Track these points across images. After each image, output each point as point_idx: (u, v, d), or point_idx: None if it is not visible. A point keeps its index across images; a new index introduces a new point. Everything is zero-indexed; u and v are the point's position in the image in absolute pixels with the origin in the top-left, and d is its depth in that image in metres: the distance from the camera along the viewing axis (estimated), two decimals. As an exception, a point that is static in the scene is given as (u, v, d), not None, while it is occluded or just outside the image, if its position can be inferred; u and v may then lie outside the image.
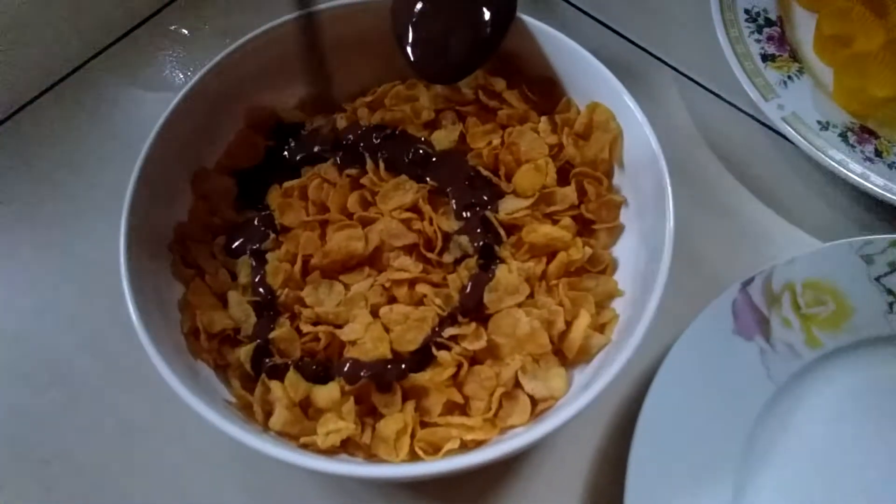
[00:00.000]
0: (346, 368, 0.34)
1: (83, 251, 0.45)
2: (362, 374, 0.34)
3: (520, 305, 0.36)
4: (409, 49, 0.41)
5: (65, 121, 0.51)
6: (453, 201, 0.39)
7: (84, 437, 0.40)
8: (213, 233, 0.40)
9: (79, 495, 0.39)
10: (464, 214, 0.39)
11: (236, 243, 0.39)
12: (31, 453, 0.40)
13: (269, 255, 0.38)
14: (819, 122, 0.46)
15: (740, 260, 0.44)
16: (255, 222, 0.40)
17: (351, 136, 0.42)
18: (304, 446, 0.33)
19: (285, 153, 0.42)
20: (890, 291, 0.41)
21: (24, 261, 0.46)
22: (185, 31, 0.56)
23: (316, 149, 0.42)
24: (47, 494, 0.39)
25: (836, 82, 0.48)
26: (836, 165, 0.44)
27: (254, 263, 0.38)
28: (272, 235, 0.39)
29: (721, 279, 0.42)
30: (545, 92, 0.43)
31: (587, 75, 0.41)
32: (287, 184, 0.40)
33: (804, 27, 0.52)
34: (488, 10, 0.41)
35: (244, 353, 0.36)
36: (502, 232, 0.39)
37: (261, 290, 0.37)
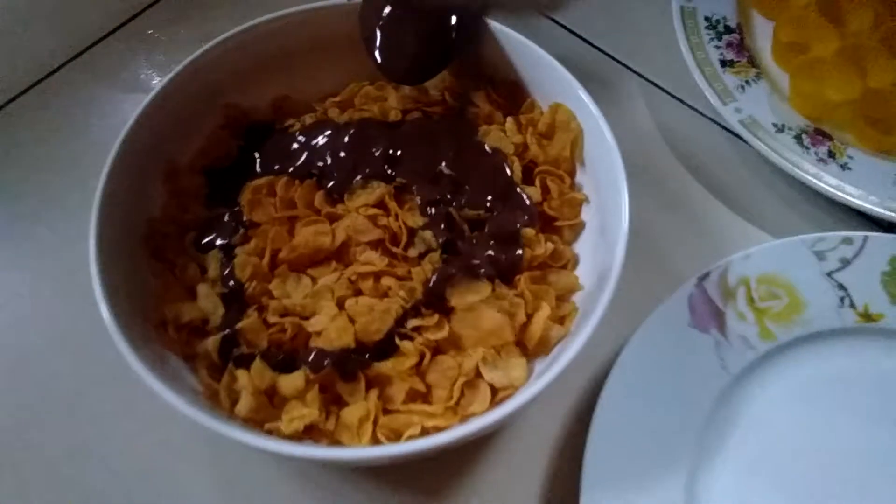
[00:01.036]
0: (311, 357, 0.35)
1: (57, 247, 0.46)
2: (326, 362, 0.35)
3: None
4: (376, 52, 0.42)
5: (42, 122, 0.52)
6: (418, 198, 0.41)
7: (56, 429, 0.41)
8: (184, 228, 0.41)
9: (52, 487, 0.39)
10: (428, 211, 0.40)
11: (206, 238, 0.40)
12: (3, 448, 0.40)
13: (237, 250, 0.39)
14: (775, 125, 0.48)
15: (698, 256, 0.45)
16: (225, 218, 0.41)
17: (320, 140, 0.43)
18: (269, 432, 0.34)
19: (257, 161, 0.43)
20: (841, 286, 0.42)
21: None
22: (162, 36, 0.57)
23: (276, 167, 0.43)
24: (22, 486, 0.39)
25: (792, 87, 0.50)
26: (791, 166, 0.46)
27: (223, 257, 0.39)
28: (241, 231, 0.40)
29: (679, 275, 0.43)
30: (510, 94, 0.44)
31: (549, 78, 0.42)
32: (256, 181, 0.41)
33: (762, 34, 0.54)
34: (454, 14, 0.42)
35: (212, 342, 0.36)
36: (465, 227, 0.40)
37: (230, 282, 0.38)
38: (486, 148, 0.42)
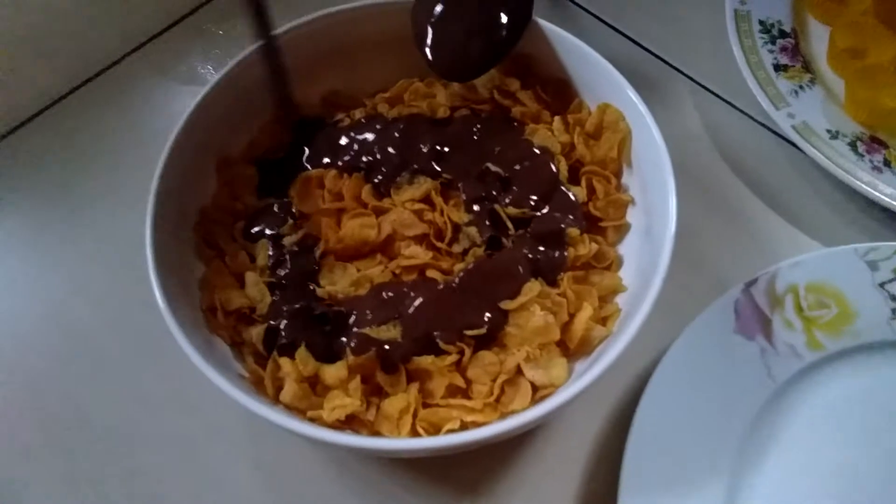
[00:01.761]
0: (354, 342, 0.36)
1: (112, 231, 0.48)
2: (371, 349, 0.35)
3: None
4: (427, 48, 0.42)
5: (102, 111, 0.54)
6: (464, 194, 0.41)
7: (104, 407, 0.42)
8: (234, 217, 0.42)
9: (97, 462, 0.41)
10: (474, 207, 0.40)
11: (256, 227, 0.41)
12: (53, 420, 0.42)
13: (285, 240, 0.40)
14: (829, 131, 0.47)
15: (745, 262, 0.45)
16: (275, 208, 0.41)
17: (369, 135, 0.43)
18: (311, 420, 0.34)
19: (307, 154, 0.44)
20: (893, 298, 0.41)
21: (58, 239, 0.48)
22: (219, 31, 0.58)
23: (326, 160, 0.43)
24: (69, 459, 0.41)
25: (848, 93, 0.49)
26: (844, 174, 0.45)
27: (271, 247, 0.40)
28: (290, 221, 0.41)
29: (725, 280, 0.43)
30: (558, 93, 0.44)
31: (598, 77, 0.42)
32: (305, 173, 0.42)
33: (818, 39, 0.53)
34: (505, 13, 0.42)
35: (256, 333, 0.37)
36: (510, 224, 0.40)
37: (277, 271, 0.39)
38: (534, 147, 0.42)
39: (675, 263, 0.34)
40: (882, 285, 0.42)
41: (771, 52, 0.51)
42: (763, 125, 0.51)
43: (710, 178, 0.49)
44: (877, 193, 0.44)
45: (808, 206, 0.48)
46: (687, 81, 0.54)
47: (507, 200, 0.41)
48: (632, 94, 0.40)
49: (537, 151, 0.42)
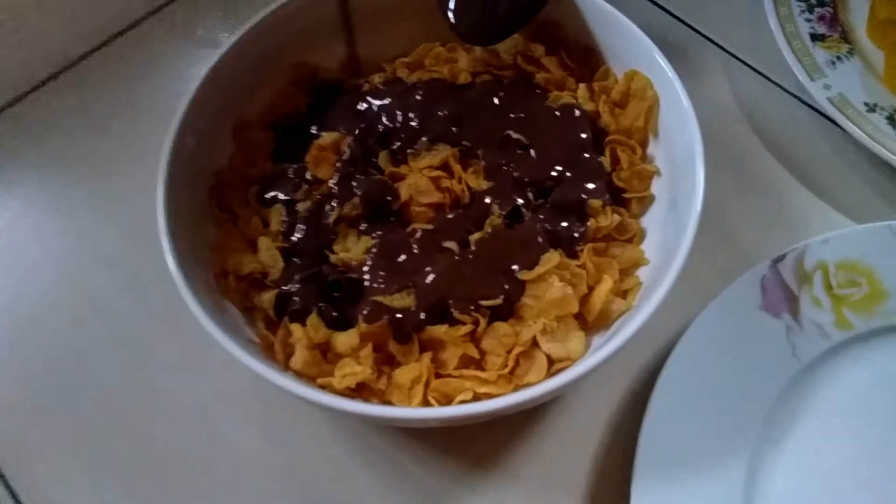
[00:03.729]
0: (367, 309, 0.35)
1: (127, 194, 0.47)
2: (383, 317, 0.35)
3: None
4: (449, 11, 0.41)
5: (119, 73, 0.53)
6: (483, 162, 0.40)
7: (117, 370, 0.42)
8: (249, 182, 0.41)
9: (107, 425, 0.40)
10: (493, 175, 0.39)
11: (270, 192, 0.40)
12: (65, 383, 0.42)
13: (299, 205, 0.39)
14: (866, 104, 0.45)
15: (773, 238, 0.43)
16: (289, 174, 0.41)
17: (388, 100, 0.42)
18: (321, 387, 0.34)
19: (325, 119, 0.43)
20: (927, 277, 0.40)
21: (74, 201, 0.48)
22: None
23: (344, 125, 0.42)
24: (79, 421, 0.41)
25: (888, 65, 0.47)
26: (881, 148, 0.43)
27: (285, 212, 0.39)
28: (305, 187, 0.40)
29: (752, 256, 0.42)
30: (584, 60, 0.43)
31: (626, 44, 0.40)
32: (321, 139, 0.41)
33: (858, 8, 0.51)
34: (530, -25, 0.41)
35: (267, 299, 0.37)
36: (531, 194, 0.39)
37: (290, 237, 0.38)
38: (556, 113, 0.41)
39: (701, 237, 0.33)
40: (916, 264, 0.40)
41: (808, 20, 0.49)
42: (797, 97, 0.49)
43: (739, 151, 0.48)
44: (914, 169, 0.43)
45: (841, 181, 0.46)
46: (718, 51, 0.52)
47: (528, 168, 0.39)
48: (661, 60, 0.38)
49: (560, 116, 0.40)
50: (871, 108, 0.45)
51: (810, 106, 0.49)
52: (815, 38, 0.48)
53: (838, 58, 0.47)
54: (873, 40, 0.49)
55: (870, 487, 0.37)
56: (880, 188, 0.46)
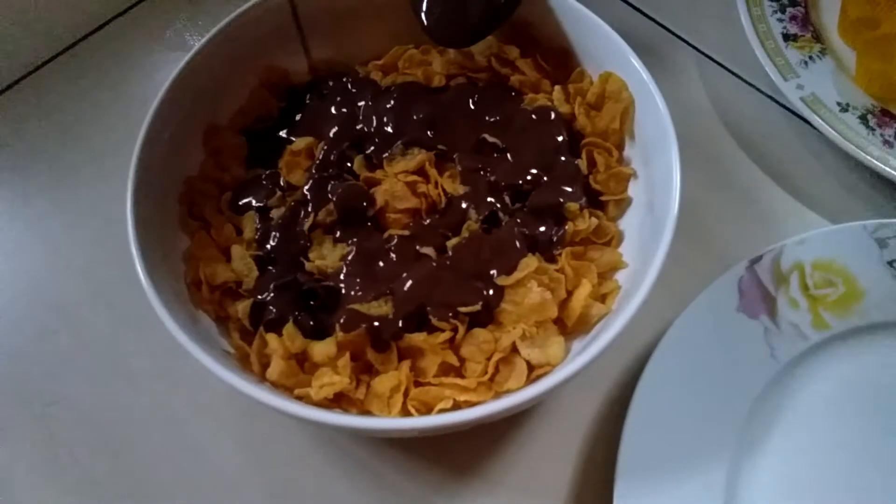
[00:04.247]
0: (344, 318, 0.34)
1: (95, 201, 0.46)
2: (360, 325, 0.34)
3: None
4: (422, 13, 0.40)
5: (87, 78, 0.52)
6: (459, 166, 0.39)
7: (88, 383, 0.41)
8: (221, 188, 0.40)
9: (80, 440, 0.39)
10: (470, 179, 0.39)
11: (243, 199, 0.39)
12: (34, 397, 0.41)
13: (273, 212, 0.39)
14: (839, 104, 0.46)
15: (750, 239, 0.43)
16: (262, 180, 0.40)
17: (362, 104, 0.42)
18: (299, 398, 0.33)
19: (297, 123, 0.42)
20: (902, 276, 0.40)
21: (39, 209, 0.47)
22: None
23: (317, 129, 0.41)
24: (49, 438, 0.40)
25: (859, 65, 0.47)
26: (854, 148, 0.43)
27: (258, 220, 0.38)
28: (278, 193, 0.39)
29: (729, 257, 0.41)
30: (559, 62, 0.43)
31: (601, 45, 0.40)
32: (294, 144, 0.40)
33: (829, 8, 0.51)
34: (504, -24, 0.40)
35: (242, 308, 0.36)
36: (507, 198, 0.38)
37: (264, 245, 0.38)
38: (532, 116, 0.40)
39: (677, 239, 0.33)
40: (891, 263, 0.40)
41: (780, 20, 0.49)
42: (770, 97, 0.50)
43: (714, 152, 0.48)
44: (887, 169, 0.43)
45: (816, 181, 0.46)
46: (692, 51, 0.52)
47: (504, 172, 0.39)
48: (635, 62, 0.38)
49: (535, 117, 0.40)
50: (844, 108, 0.45)
51: (784, 106, 0.49)
52: (787, 37, 0.48)
53: (811, 58, 0.48)
54: (845, 40, 0.50)
55: (850, 486, 0.37)
56: (854, 187, 0.46)
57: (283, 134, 0.42)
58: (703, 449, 0.36)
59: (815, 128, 0.45)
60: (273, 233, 0.38)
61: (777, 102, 0.49)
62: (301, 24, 0.43)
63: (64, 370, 0.41)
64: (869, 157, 0.43)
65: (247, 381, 0.31)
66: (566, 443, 0.39)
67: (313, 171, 0.39)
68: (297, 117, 0.42)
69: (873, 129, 0.45)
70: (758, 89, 0.50)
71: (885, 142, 0.44)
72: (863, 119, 0.45)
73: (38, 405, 0.40)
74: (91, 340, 0.42)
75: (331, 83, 0.44)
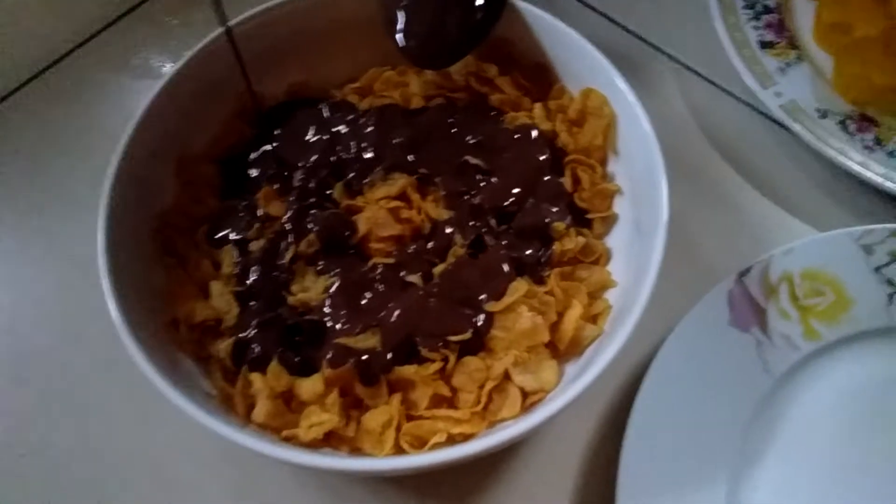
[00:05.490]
0: (331, 352, 0.33)
1: (65, 241, 0.45)
2: (349, 361, 0.33)
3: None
4: (397, 33, 0.40)
5: (52, 109, 0.50)
6: (442, 190, 0.39)
7: (65, 431, 0.39)
8: (196, 221, 0.39)
9: (58, 490, 0.38)
10: (453, 203, 0.38)
11: (220, 232, 0.38)
12: (7, 448, 0.39)
13: (252, 245, 0.37)
14: (818, 110, 0.45)
15: (737, 250, 0.43)
16: (239, 211, 0.39)
17: (339, 129, 0.41)
18: (287, 439, 0.32)
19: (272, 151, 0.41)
20: (890, 282, 0.40)
21: (6, 250, 0.45)
22: (175, 20, 0.55)
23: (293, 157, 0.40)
24: (25, 489, 0.38)
25: (836, 70, 0.47)
26: (836, 154, 0.43)
27: (237, 253, 0.37)
28: (256, 225, 0.38)
29: (717, 270, 0.41)
30: (538, 78, 0.42)
31: (580, 61, 0.40)
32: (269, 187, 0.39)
33: (803, 14, 0.51)
34: (479, -6, 0.40)
35: (224, 348, 0.35)
36: (493, 221, 0.38)
37: (245, 280, 0.36)
38: (514, 135, 0.39)
39: (665, 253, 0.33)
40: (878, 269, 0.40)
41: (756, 28, 0.49)
42: (750, 106, 0.49)
43: (696, 164, 0.47)
44: (869, 174, 0.43)
45: (799, 189, 0.46)
46: (669, 63, 0.52)
47: (488, 194, 0.38)
48: (616, 78, 0.38)
49: (517, 137, 0.39)
50: (823, 114, 0.45)
51: (764, 114, 0.49)
52: (763, 45, 0.48)
53: (787, 64, 0.48)
54: (820, 45, 0.50)
55: (849, 495, 0.36)
56: (838, 194, 0.46)
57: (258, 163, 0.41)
58: (702, 468, 0.36)
59: (796, 135, 0.45)
60: (253, 266, 0.37)
61: (757, 111, 0.49)
62: (241, 56, 0.41)
63: (38, 419, 0.40)
64: (851, 163, 0.43)
65: (231, 425, 0.30)
66: (563, 467, 0.38)
67: (292, 201, 0.38)
68: (272, 145, 0.41)
69: (853, 135, 0.45)
70: (737, 98, 0.50)
71: (866, 146, 0.44)
72: (842, 125, 0.45)
73: (10, 457, 0.39)
74: (65, 387, 0.40)
75: (306, 109, 0.42)
